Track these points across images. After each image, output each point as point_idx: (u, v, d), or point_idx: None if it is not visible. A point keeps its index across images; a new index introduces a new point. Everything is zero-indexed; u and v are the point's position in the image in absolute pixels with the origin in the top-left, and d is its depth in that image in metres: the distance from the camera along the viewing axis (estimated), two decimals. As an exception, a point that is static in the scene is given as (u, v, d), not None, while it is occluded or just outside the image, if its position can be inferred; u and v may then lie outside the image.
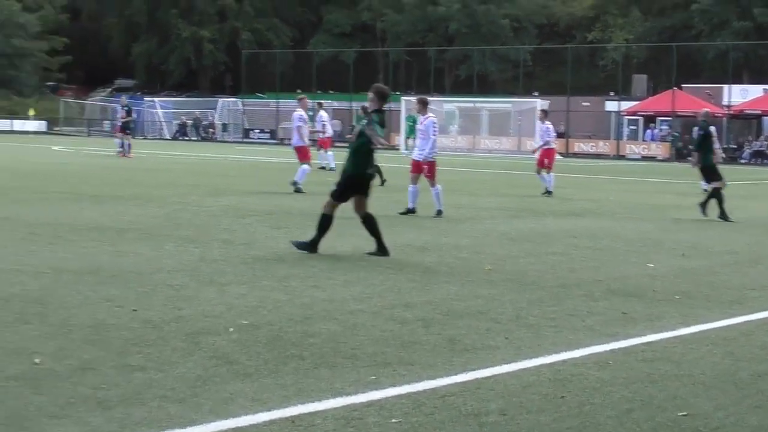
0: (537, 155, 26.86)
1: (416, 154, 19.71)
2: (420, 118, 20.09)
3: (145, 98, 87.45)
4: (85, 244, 13.13)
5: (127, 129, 43.22)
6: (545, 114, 27.93)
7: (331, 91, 77.16)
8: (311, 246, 12.73)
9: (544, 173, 26.37)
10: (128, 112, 43.05)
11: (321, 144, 33.34)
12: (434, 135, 19.71)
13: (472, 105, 70.48)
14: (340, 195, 12.90)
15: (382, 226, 12.91)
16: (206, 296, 9.54)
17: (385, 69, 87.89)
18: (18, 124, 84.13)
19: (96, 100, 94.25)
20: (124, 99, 45.42)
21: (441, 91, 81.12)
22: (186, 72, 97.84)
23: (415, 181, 19.21)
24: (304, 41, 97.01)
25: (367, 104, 13.66)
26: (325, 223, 12.81)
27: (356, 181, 12.91)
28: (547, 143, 26.50)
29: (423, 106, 19.80)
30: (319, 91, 76.42)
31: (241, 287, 10.10)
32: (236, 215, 17.72)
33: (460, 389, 6.57)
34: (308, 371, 6.87)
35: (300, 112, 24.83)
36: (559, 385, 6.76)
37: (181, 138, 80.00)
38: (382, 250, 12.79)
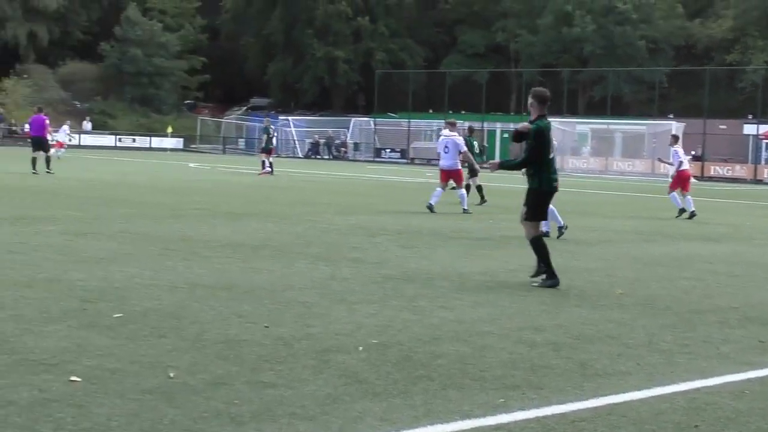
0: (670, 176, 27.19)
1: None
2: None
3: (279, 117, 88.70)
4: (218, 260, 13.35)
5: (267, 149, 44.13)
6: (675, 139, 27.76)
7: (463, 111, 77.19)
8: (550, 277, 12.05)
9: (676, 194, 26.51)
10: (266, 133, 44.00)
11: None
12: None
13: (605, 127, 69.77)
14: (535, 214, 12.29)
15: (513, 247, 12.82)
16: (336, 314, 9.61)
17: (517, 89, 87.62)
18: (156, 141, 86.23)
19: (232, 119, 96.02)
20: (266, 121, 46.67)
21: (574, 112, 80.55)
22: (320, 91, 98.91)
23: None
24: (437, 61, 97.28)
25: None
26: (540, 247, 12.12)
27: (546, 196, 12.36)
28: (680, 165, 26.57)
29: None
30: (450, 111, 76.48)
31: (371, 306, 10.15)
32: (367, 234, 17.83)
33: (590, 415, 6.49)
34: (437, 392, 6.86)
35: (458, 137, 24.78)
36: (692, 414, 6.62)
37: (313, 156, 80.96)
38: (549, 276, 12.12)
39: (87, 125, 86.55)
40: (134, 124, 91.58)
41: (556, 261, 12.29)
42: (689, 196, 26.23)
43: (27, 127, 58.64)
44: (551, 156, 12.19)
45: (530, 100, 12.26)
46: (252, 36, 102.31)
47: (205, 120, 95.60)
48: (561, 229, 18.72)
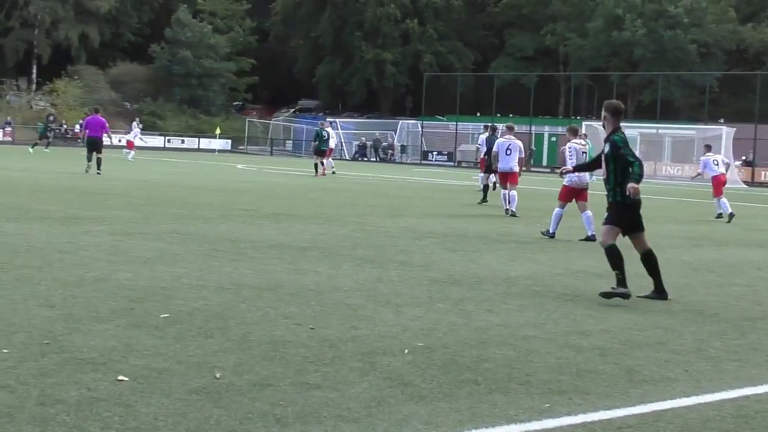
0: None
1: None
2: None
3: (327, 119, 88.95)
4: (265, 261, 13.39)
5: (319, 151, 44.97)
6: (708, 148, 29.81)
7: (510, 115, 76.99)
8: (659, 292, 11.64)
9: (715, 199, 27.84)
10: (317, 136, 44.53)
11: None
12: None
13: (654, 131, 69.33)
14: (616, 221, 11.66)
15: (559, 252, 12.75)
16: (382, 317, 9.61)
17: (566, 93, 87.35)
18: (204, 143, 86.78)
19: (279, 120, 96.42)
20: (321, 123, 47.47)
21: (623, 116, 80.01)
22: (367, 93, 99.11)
23: (582, 208, 19.04)
24: (485, 64, 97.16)
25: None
26: (613, 257, 11.43)
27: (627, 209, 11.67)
28: (713, 171, 28.27)
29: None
30: (498, 114, 76.35)
31: (417, 309, 10.14)
32: (413, 236, 17.81)
33: (637, 421, 6.44)
34: (482, 396, 6.84)
35: (516, 141, 24.79)
36: (741, 422, 6.56)
37: (360, 159, 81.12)
38: (659, 291, 11.69)
39: (137, 126, 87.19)
40: (183, 125, 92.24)
41: (602, 265, 12.20)
42: (724, 199, 27.43)
43: (77, 127, 59.48)
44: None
45: (603, 113, 12.15)
46: (301, 38, 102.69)
47: (253, 121, 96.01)
48: (547, 233, 18.93)
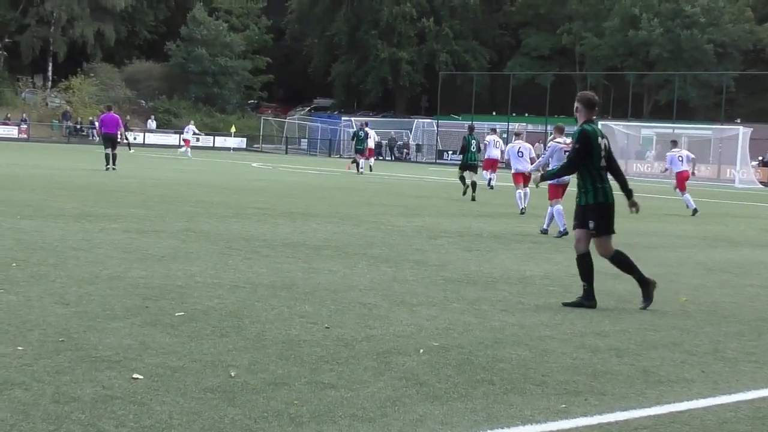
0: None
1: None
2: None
3: (342, 117, 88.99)
4: (280, 259, 13.40)
5: (358, 150, 47.14)
6: (674, 144, 31.73)
7: (526, 114, 76.89)
8: (646, 294, 11.01)
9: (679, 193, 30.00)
10: (355, 135, 47.29)
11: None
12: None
13: (670, 131, 69.17)
14: (607, 228, 11.02)
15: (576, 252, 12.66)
16: (397, 316, 9.60)
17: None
18: (219, 141, 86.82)
19: (295, 119, 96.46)
20: (360, 124, 49.25)
21: (639, 116, 79.90)
22: (383, 92, 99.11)
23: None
24: (501, 63, 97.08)
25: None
26: (624, 263, 11.18)
27: (609, 209, 11.00)
28: (678, 167, 29.91)
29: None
30: (514, 114, 76.27)
31: (432, 309, 10.13)
32: (429, 236, 17.81)
33: (653, 422, 6.42)
34: (498, 396, 6.82)
35: (526, 144, 25.38)
36: (758, 424, 6.53)
37: (375, 157, 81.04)
38: (645, 290, 11.07)
39: (152, 124, 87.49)
40: (198, 123, 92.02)
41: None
42: (687, 195, 29.38)
43: (97, 124, 60.24)
44: (601, 165, 10.99)
45: (576, 105, 11.38)
46: (316, 36, 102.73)
47: (268, 120, 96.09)
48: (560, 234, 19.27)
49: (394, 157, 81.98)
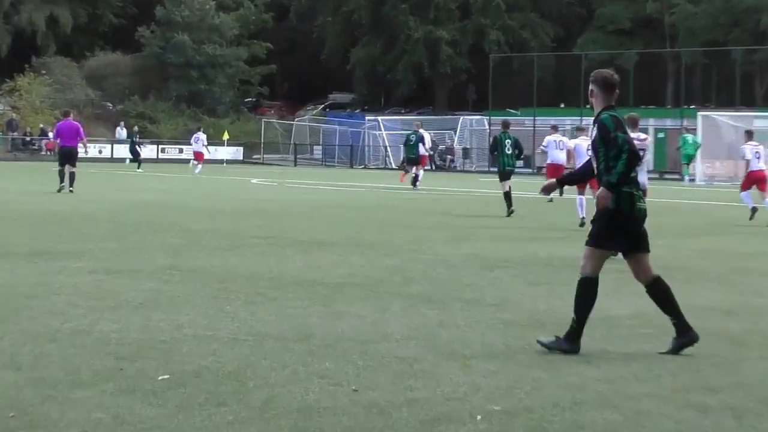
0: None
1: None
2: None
3: (366, 117, 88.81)
4: (291, 303, 13.40)
5: (409, 159, 48.42)
6: (749, 135, 32.78)
7: (604, 105, 76.68)
8: (683, 333, 10.80)
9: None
10: (407, 141, 47.72)
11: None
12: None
13: (791, 121, 68.97)
14: (599, 238, 11.05)
15: (675, 282, 12.59)
16: (445, 373, 9.57)
17: (675, 75, 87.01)
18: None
19: (305, 120, 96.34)
20: (416, 125, 49.97)
21: (750, 103, 79.55)
22: (418, 82, 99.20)
23: None
24: (569, 41, 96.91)
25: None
26: (586, 296, 11.19)
27: (624, 220, 10.87)
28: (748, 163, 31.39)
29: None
30: (588, 106, 76.05)
31: (491, 362, 10.10)
32: (483, 266, 17.79)
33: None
34: (580, 475, 6.79)
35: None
36: None
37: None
38: (682, 332, 10.80)
39: (121, 132, 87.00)
40: (181, 129, 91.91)
41: (729, 294, 12.07)
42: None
43: (51, 135, 60.62)
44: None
45: (591, 87, 11.00)
46: (330, 14, 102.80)
47: (270, 123, 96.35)
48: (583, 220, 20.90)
49: (435, 165, 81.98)
